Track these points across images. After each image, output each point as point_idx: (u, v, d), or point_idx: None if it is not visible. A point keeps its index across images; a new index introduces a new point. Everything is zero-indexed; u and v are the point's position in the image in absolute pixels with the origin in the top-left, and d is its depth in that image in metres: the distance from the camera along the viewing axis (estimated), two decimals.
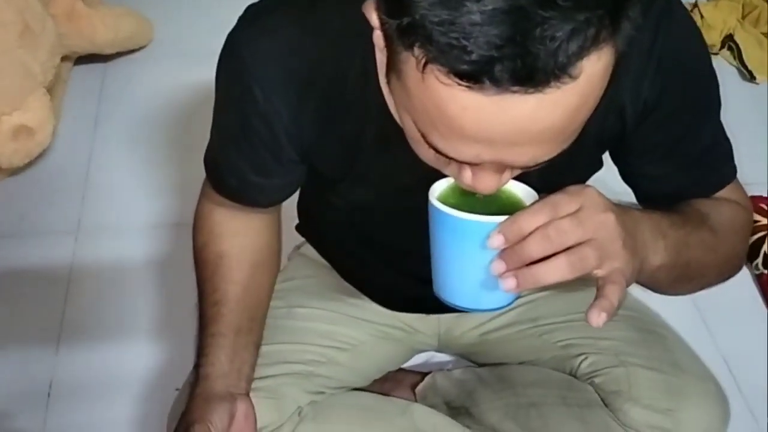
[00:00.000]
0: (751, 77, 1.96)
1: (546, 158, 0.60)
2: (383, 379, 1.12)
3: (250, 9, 0.77)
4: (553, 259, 0.60)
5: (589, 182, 0.71)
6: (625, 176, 0.85)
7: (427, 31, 0.52)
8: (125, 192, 1.62)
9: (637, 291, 0.81)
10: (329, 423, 0.95)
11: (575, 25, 0.51)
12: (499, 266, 0.61)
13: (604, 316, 0.60)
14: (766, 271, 1.46)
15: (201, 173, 0.92)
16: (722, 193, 0.84)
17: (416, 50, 0.54)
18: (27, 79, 1.52)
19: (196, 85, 1.75)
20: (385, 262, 0.97)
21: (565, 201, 0.62)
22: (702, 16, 2.01)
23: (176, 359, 1.30)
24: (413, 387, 1.18)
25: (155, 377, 1.30)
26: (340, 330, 1.02)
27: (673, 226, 0.73)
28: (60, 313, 1.39)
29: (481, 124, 0.55)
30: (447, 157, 0.61)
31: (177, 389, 0.96)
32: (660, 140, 0.79)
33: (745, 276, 1.48)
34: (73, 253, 1.49)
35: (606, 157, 0.85)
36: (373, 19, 0.59)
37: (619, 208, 0.65)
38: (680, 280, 0.76)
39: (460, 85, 0.53)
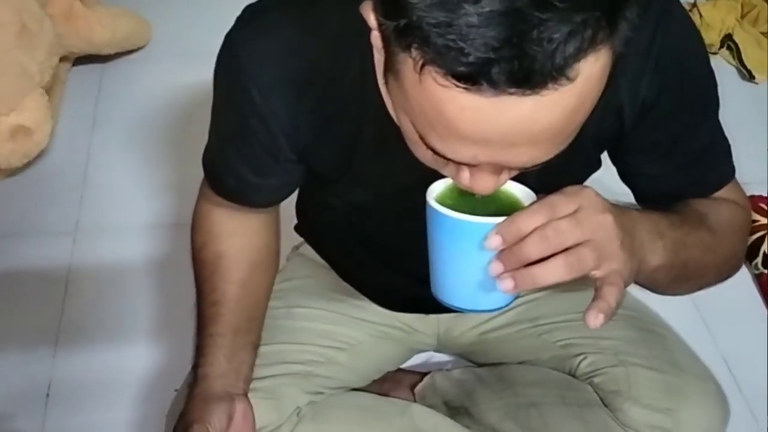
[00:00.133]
0: (750, 77, 1.96)
1: (544, 159, 0.60)
2: (382, 380, 1.12)
3: (247, 9, 0.77)
4: (551, 260, 0.60)
5: (588, 182, 0.71)
6: (624, 176, 0.85)
7: (424, 32, 0.52)
8: (124, 192, 1.62)
9: (636, 291, 0.81)
10: (328, 423, 0.95)
11: (572, 26, 0.50)
12: (497, 267, 0.61)
13: (601, 317, 0.60)
14: (765, 271, 1.46)
15: (199, 173, 0.92)
16: (721, 193, 0.84)
17: (413, 52, 0.54)
18: (24, 79, 1.52)
19: (194, 85, 1.75)
20: (384, 262, 0.97)
21: (563, 202, 0.62)
22: (701, 16, 2.01)
23: (175, 359, 1.29)
24: (412, 387, 1.18)
25: (154, 378, 1.29)
26: (339, 330, 1.02)
27: (672, 226, 0.73)
28: (58, 313, 1.38)
29: (478, 126, 0.55)
30: (444, 158, 0.61)
31: (176, 390, 0.96)
32: (658, 139, 0.79)
33: (744, 276, 1.48)
34: (72, 254, 1.49)
35: (604, 157, 0.85)
36: (371, 19, 0.59)
37: (618, 208, 0.64)
38: (679, 280, 0.76)
39: (457, 86, 0.53)
